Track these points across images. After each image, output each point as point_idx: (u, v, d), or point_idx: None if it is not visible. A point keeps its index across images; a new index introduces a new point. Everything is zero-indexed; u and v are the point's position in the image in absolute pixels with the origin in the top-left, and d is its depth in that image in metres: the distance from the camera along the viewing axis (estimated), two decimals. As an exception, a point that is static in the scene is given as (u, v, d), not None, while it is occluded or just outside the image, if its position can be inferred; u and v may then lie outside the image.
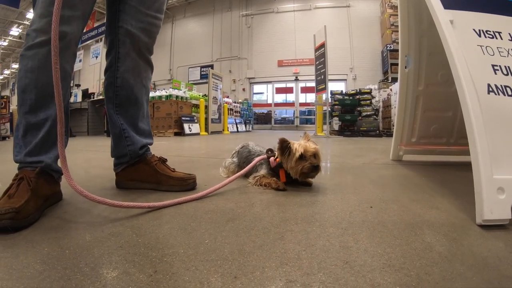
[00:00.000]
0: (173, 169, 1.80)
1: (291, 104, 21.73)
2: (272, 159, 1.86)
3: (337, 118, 10.88)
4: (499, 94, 1.36)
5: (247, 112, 18.05)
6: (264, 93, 22.69)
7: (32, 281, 0.77)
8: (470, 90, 1.33)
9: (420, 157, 3.17)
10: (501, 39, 1.52)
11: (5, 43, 29.01)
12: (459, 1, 1.62)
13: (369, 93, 11.27)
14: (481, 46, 1.48)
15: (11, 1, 13.49)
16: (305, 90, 21.20)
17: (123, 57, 1.69)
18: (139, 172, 1.75)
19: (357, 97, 11.22)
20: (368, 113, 10.87)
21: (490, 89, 1.36)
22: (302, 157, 1.72)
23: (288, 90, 21.87)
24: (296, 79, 21.18)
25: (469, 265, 0.84)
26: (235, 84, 22.17)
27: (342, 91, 12.50)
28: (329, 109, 10.34)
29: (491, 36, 1.52)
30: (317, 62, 10.53)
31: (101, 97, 12.58)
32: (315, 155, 1.76)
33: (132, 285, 0.74)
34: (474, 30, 1.53)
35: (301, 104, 21.35)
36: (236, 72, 22.23)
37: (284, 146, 1.77)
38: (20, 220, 1.12)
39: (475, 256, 0.90)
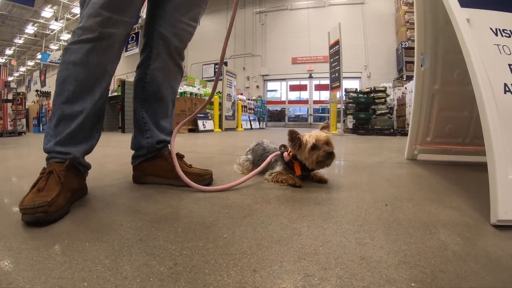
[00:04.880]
0: (190, 165, 1.85)
1: (305, 102, 21.70)
2: (285, 154, 1.90)
3: (351, 116, 10.83)
4: None
5: (261, 109, 18.06)
6: (278, 91, 22.69)
7: (53, 272, 0.79)
8: (486, 90, 1.33)
9: (435, 157, 3.15)
10: None
11: (21, 41, 29.56)
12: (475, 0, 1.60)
13: (384, 91, 11.17)
14: (497, 45, 1.47)
15: (27, 0, 13.72)
16: (319, 87, 21.16)
17: (154, 56, 1.78)
18: (156, 167, 1.80)
19: (372, 95, 11.15)
20: (383, 111, 10.79)
21: (507, 89, 1.35)
22: (314, 146, 1.75)
23: (302, 88, 21.83)
24: (310, 77, 21.11)
25: (483, 264, 0.85)
26: (249, 81, 22.21)
27: (356, 89, 12.41)
28: (343, 107, 10.30)
29: (508, 35, 1.51)
30: (332, 60, 10.49)
31: (115, 93, 12.73)
32: (327, 142, 1.79)
33: (153, 277, 0.77)
34: (490, 29, 1.52)
35: (315, 102, 21.31)
36: (250, 69, 22.27)
37: (294, 137, 1.80)
38: (52, 213, 1.16)
39: (489, 255, 0.91)
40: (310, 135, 1.77)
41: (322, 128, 1.87)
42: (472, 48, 1.42)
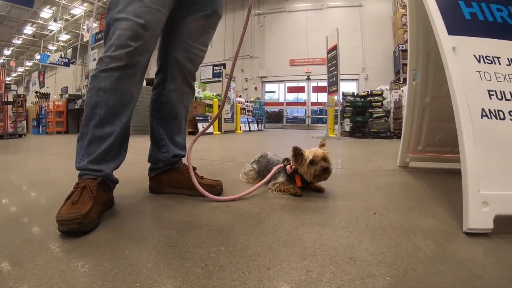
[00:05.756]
0: (202, 176, 2.04)
1: (303, 103, 21.91)
2: (288, 167, 2.10)
3: (348, 120, 11.01)
4: (491, 118, 1.52)
5: (259, 112, 18.22)
6: (276, 92, 22.88)
7: (106, 276, 0.94)
8: (464, 115, 1.50)
9: (426, 164, 3.35)
10: (499, 64, 1.66)
11: (19, 42, 29.64)
12: (463, 27, 1.75)
13: (380, 94, 11.38)
14: (479, 72, 1.61)
15: (26, 1, 13.90)
16: (317, 89, 21.39)
17: (170, 79, 1.95)
18: (172, 179, 1.99)
19: (369, 98, 11.35)
20: (379, 114, 10.98)
21: (484, 114, 1.52)
22: (312, 162, 1.95)
23: (300, 89, 22.05)
24: (308, 79, 21.31)
25: (448, 265, 1.06)
26: (247, 83, 22.41)
27: (353, 92, 12.62)
28: (341, 109, 10.50)
29: (490, 62, 1.65)
30: (329, 64, 10.67)
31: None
32: (324, 159, 1.99)
33: (191, 276, 0.97)
34: (474, 56, 1.66)
35: (313, 104, 21.52)
36: (248, 71, 22.45)
37: (297, 153, 2.00)
38: (86, 225, 1.30)
39: (455, 258, 1.12)
40: (310, 151, 1.98)
41: (321, 146, 2.08)
42: (455, 76, 1.58)
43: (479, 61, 1.66)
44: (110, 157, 1.64)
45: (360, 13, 20.20)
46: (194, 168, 2.02)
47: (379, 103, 11.24)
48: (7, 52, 31.69)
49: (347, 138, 9.84)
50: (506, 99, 1.57)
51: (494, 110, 1.54)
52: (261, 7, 22.71)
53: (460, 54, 1.65)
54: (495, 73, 1.63)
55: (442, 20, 1.75)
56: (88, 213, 1.34)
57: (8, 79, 27.24)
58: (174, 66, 1.94)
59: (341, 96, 10.87)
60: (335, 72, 9.92)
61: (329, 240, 1.27)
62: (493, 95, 1.57)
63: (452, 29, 1.71)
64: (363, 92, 12.11)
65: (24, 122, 11.73)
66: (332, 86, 10.42)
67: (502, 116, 1.53)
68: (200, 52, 2.01)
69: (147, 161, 2.06)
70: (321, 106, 20.49)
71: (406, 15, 15.92)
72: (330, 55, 10.57)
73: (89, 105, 1.59)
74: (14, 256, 1.09)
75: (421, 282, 0.95)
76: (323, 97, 19.46)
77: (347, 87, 18.52)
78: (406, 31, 16.04)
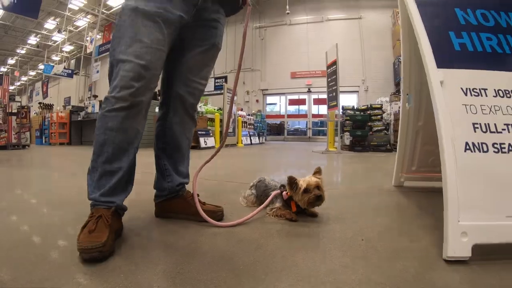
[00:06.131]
0: (204, 202, 2.17)
1: (304, 116, 22.04)
2: (284, 193, 2.23)
3: (348, 133, 11.10)
4: (475, 152, 1.58)
5: (261, 124, 18.29)
6: (277, 104, 23.03)
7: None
8: (448, 150, 1.57)
9: (420, 183, 3.45)
10: (486, 96, 1.71)
11: (23, 51, 30.03)
12: (451, 59, 1.79)
13: (380, 108, 11.47)
14: (465, 105, 1.67)
15: (30, 12, 14.18)
16: (317, 101, 21.52)
17: (172, 112, 2.07)
18: (177, 205, 2.12)
19: (368, 112, 11.46)
20: (379, 128, 11.03)
21: (467, 147, 1.58)
22: (306, 190, 2.08)
23: (301, 102, 22.20)
24: (309, 91, 21.47)
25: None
26: (248, 95, 22.56)
27: (353, 106, 12.71)
28: (341, 121, 10.65)
29: (476, 94, 1.71)
30: (329, 79, 10.80)
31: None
32: (318, 187, 2.12)
33: (195, 301, 1.11)
34: (461, 89, 1.71)
35: (314, 116, 21.65)
36: (250, 83, 22.62)
37: (292, 182, 2.14)
38: (105, 252, 1.42)
39: (431, 285, 1.24)
40: (304, 180, 2.11)
41: (315, 173, 2.21)
42: (441, 110, 1.64)
43: (465, 94, 1.71)
44: (119, 189, 1.77)
45: (360, 25, 20.45)
46: (197, 195, 2.15)
47: (379, 117, 11.31)
48: (11, 61, 32.14)
49: (347, 152, 9.96)
50: (491, 131, 1.64)
51: (478, 143, 1.60)
52: (262, 21, 22.99)
53: (448, 88, 1.70)
54: (481, 105, 1.69)
55: (432, 53, 1.79)
56: (107, 241, 1.46)
57: (11, 87, 27.50)
58: (176, 100, 2.06)
59: (341, 110, 10.96)
60: (335, 87, 10.06)
61: (321, 264, 1.41)
62: (477, 128, 1.64)
63: (441, 62, 1.75)
64: (363, 106, 12.20)
65: (28, 133, 11.87)
66: (332, 101, 10.55)
67: (485, 149, 1.60)
68: (200, 86, 2.12)
69: (153, 188, 2.18)
70: (322, 118, 20.61)
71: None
72: (329, 70, 10.72)
73: (98, 143, 1.73)
74: (39, 282, 1.21)
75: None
76: (324, 109, 19.57)
77: (348, 99, 18.69)
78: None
